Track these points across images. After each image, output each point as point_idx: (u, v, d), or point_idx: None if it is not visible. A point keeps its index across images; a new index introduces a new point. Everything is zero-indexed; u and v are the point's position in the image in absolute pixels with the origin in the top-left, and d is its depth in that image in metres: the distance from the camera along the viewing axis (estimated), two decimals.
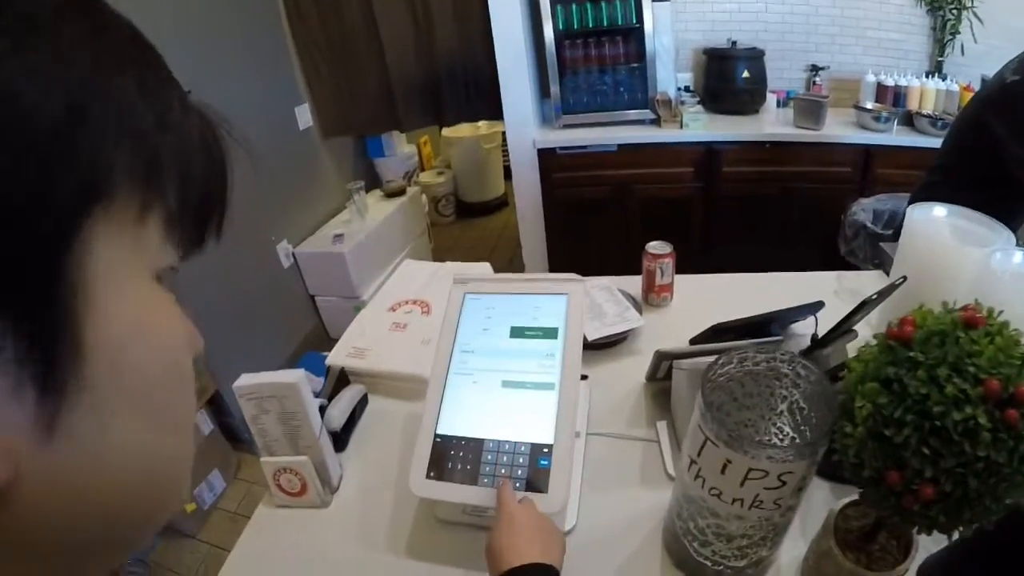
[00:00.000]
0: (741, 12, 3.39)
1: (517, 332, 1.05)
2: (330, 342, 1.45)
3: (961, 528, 0.63)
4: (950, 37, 3.12)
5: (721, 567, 0.88)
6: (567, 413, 0.95)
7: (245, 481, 2.88)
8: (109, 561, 0.35)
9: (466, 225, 5.28)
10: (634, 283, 1.62)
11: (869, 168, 3.00)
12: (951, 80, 3.08)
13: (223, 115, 0.36)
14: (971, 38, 3.09)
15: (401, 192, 4.03)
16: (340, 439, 1.27)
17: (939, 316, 0.62)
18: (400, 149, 4.36)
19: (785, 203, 3.16)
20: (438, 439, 0.99)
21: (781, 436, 0.83)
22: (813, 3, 3.28)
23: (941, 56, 3.18)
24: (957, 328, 0.60)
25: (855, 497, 0.84)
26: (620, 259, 1.76)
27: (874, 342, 0.68)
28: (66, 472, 0.28)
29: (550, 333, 1.03)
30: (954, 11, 3.04)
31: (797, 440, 0.80)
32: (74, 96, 0.26)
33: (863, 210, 2.50)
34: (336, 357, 1.43)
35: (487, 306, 1.09)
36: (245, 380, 1.10)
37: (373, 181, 4.16)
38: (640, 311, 1.49)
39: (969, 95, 2.91)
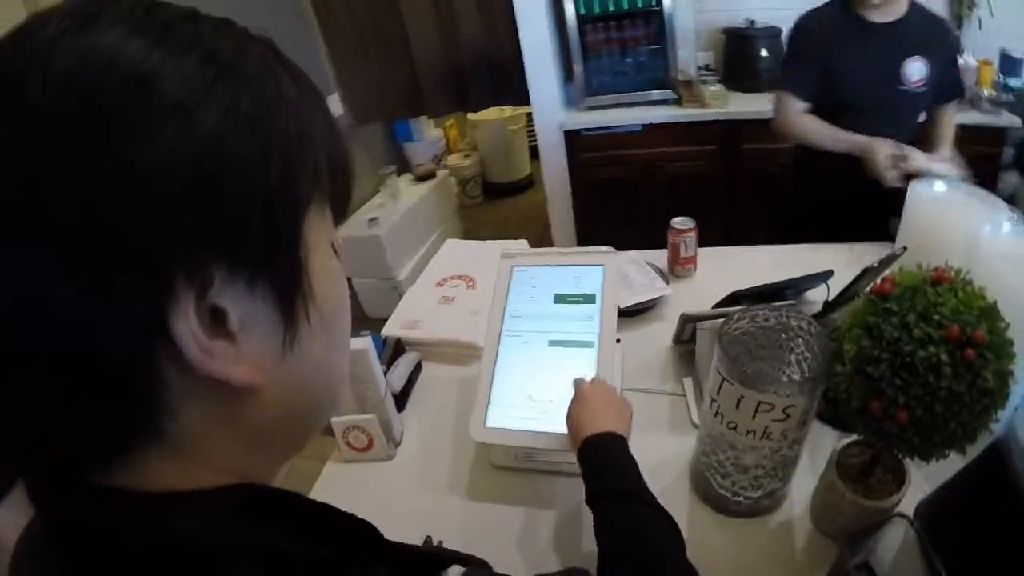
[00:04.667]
0: None
1: (560, 298, 1.20)
2: (368, 322, 1.59)
3: (936, 453, 0.77)
4: (967, 11, 3.13)
5: (740, 497, 1.02)
6: (605, 365, 1.10)
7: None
8: (298, 449, 0.49)
9: (494, 206, 5.38)
10: (660, 256, 1.76)
11: None
12: (968, 54, 3.07)
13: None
14: (988, 11, 3.10)
15: (431, 175, 4.17)
16: (399, 400, 1.43)
17: (914, 274, 0.76)
18: (428, 133, 4.49)
19: None
20: (494, 390, 1.14)
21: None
22: None
23: (958, 31, 3.19)
24: (926, 284, 0.73)
25: (855, 438, 0.98)
26: (646, 235, 1.87)
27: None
28: (291, 380, 0.42)
29: (589, 299, 1.18)
30: None
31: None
32: (302, 126, 0.40)
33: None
34: (391, 328, 1.59)
35: (532, 276, 1.25)
36: None
37: (403, 166, 4.30)
38: (667, 281, 1.63)
39: (988, 68, 2.97)
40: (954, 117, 2.07)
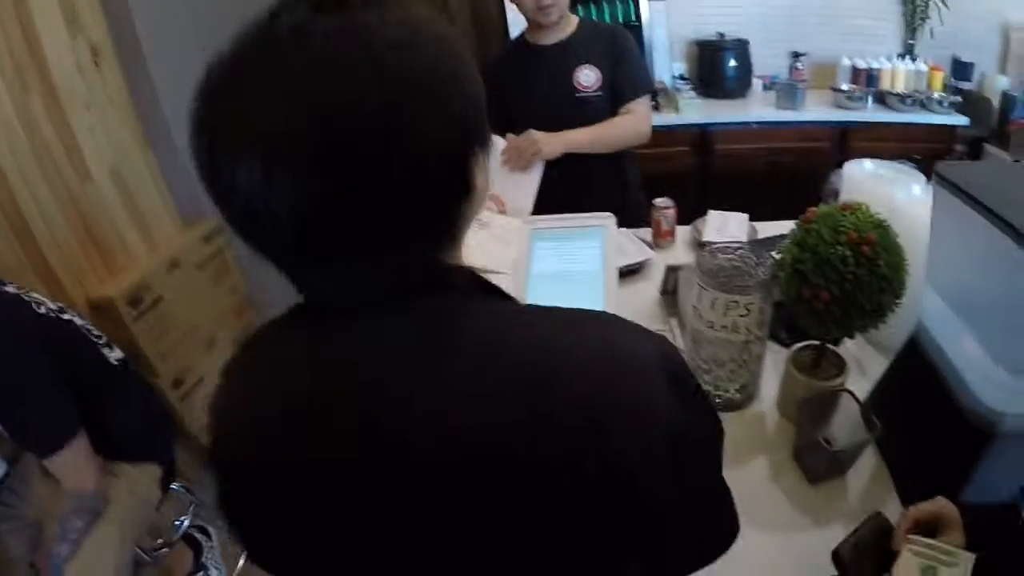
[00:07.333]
0: (728, 5, 3.72)
1: (572, 251, 1.54)
2: None
3: (855, 325, 1.09)
4: (919, 22, 3.46)
5: (720, 392, 1.33)
6: (611, 297, 1.43)
7: None
8: None
9: None
10: (646, 233, 2.10)
11: (846, 142, 3.36)
12: (920, 61, 3.44)
13: None
14: (939, 21, 3.43)
15: None
16: None
17: (830, 207, 1.10)
18: None
19: (771, 176, 3.46)
20: None
21: None
22: None
23: (912, 39, 3.53)
24: (838, 212, 1.07)
25: (807, 343, 1.30)
26: (633, 217, 2.14)
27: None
28: None
29: (595, 251, 1.52)
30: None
31: None
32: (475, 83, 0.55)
33: (839, 178, 2.88)
34: None
35: (549, 237, 1.58)
36: None
37: None
38: (652, 249, 1.97)
39: (938, 74, 3.37)
40: (626, 119, 2.20)
